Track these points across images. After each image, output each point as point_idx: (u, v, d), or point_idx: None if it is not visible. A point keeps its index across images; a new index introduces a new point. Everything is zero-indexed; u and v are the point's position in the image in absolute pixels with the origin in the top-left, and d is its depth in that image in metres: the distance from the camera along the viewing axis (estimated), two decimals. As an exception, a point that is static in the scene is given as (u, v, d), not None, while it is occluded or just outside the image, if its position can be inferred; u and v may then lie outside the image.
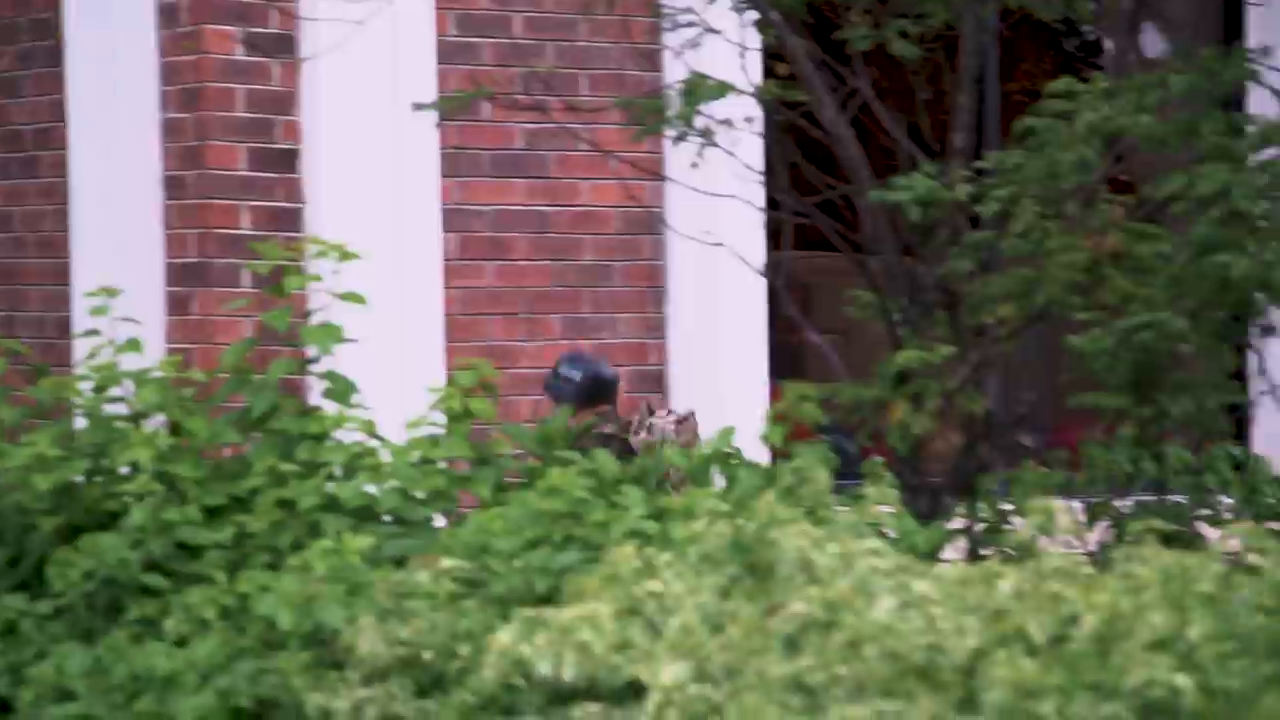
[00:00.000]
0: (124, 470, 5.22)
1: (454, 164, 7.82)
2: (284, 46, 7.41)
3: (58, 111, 8.14)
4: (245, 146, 7.57)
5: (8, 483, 5.21)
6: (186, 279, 7.66)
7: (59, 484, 5.09)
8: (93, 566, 4.90)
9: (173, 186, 7.68)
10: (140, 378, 5.25)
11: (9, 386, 5.59)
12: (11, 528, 5.20)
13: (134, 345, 5.36)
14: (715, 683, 3.25)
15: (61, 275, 8.20)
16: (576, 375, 7.09)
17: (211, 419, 5.23)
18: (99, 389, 5.30)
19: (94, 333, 5.41)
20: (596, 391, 7.02)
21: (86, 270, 7.87)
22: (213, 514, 5.10)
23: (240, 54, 7.48)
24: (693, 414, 6.93)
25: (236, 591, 4.72)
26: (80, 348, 7.58)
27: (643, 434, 6.86)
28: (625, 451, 6.69)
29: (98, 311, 5.36)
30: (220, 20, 7.46)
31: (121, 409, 5.31)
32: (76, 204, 7.96)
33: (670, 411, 7.07)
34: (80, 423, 5.38)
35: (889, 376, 4.70)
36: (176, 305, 7.70)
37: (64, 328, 8.21)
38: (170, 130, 7.65)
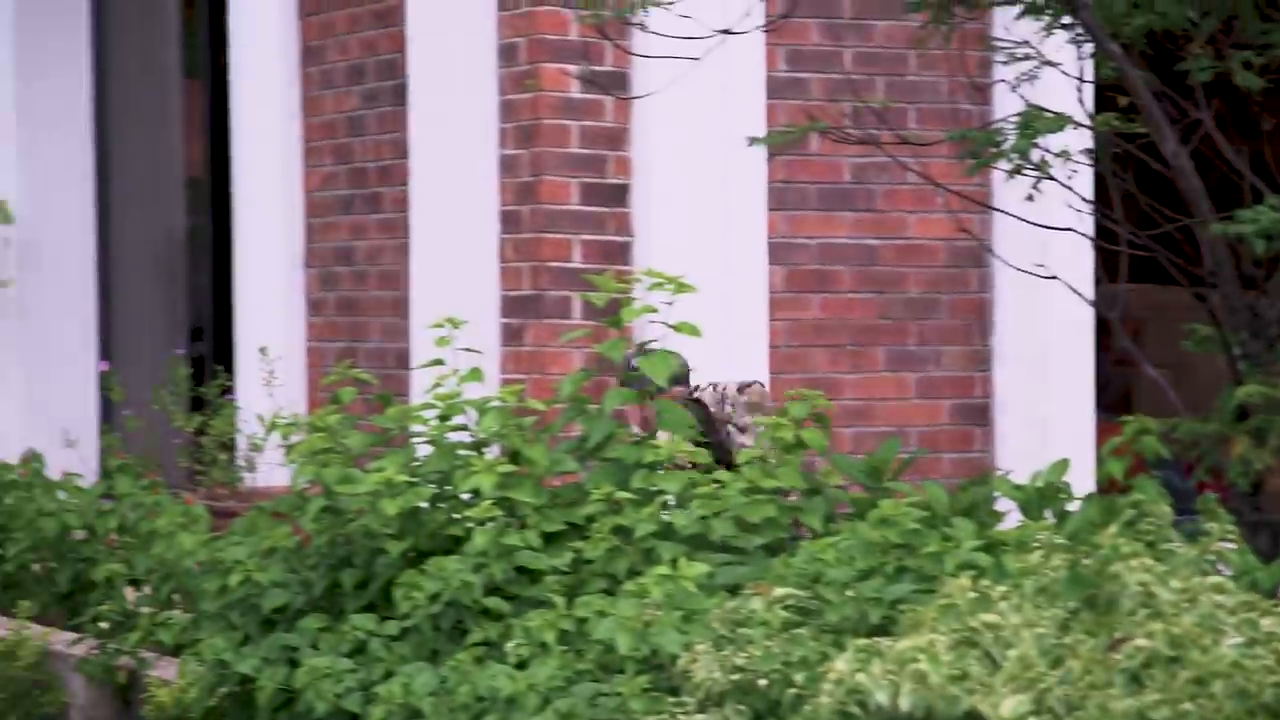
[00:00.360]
0: (466, 496, 5.38)
1: (781, 197, 7.90)
2: (618, 83, 7.55)
3: (400, 149, 8.39)
4: (578, 181, 7.74)
5: (357, 507, 5.40)
6: (520, 311, 7.83)
7: (405, 509, 5.26)
8: (437, 589, 5.06)
9: (508, 221, 7.86)
10: (482, 406, 5.40)
11: (356, 415, 5.79)
12: (360, 551, 5.38)
13: (476, 375, 5.53)
14: (1056, 716, 3.28)
15: (401, 308, 8.44)
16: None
17: (550, 447, 5.37)
18: (444, 417, 5.47)
19: (439, 362, 5.58)
20: (674, 376, 6.68)
21: (425, 303, 8.09)
22: (551, 540, 5.23)
23: (575, 91, 7.65)
24: (757, 382, 7.14)
25: (575, 616, 4.84)
26: (419, 378, 7.81)
27: (708, 390, 7.05)
28: (702, 410, 6.89)
29: (442, 342, 5.53)
30: (557, 59, 7.64)
31: (464, 437, 5.47)
32: (416, 238, 8.19)
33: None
34: (424, 450, 5.56)
35: (1229, 411, 4.67)
36: (511, 336, 7.88)
37: (403, 359, 8.44)
38: (507, 166, 7.84)
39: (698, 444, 5.94)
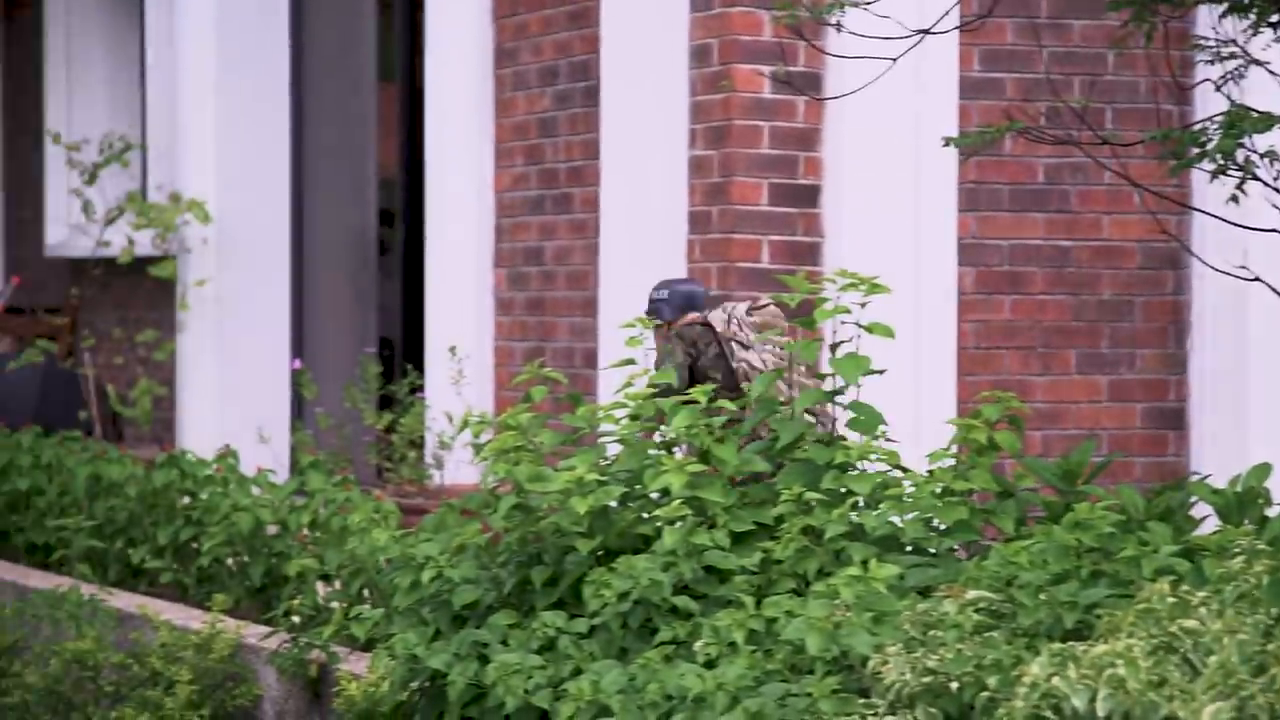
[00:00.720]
0: (655, 495, 5.39)
1: (972, 198, 7.84)
2: (811, 84, 7.53)
3: (591, 150, 8.42)
4: (768, 182, 7.72)
5: (547, 506, 5.42)
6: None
7: (595, 508, 5.28)
8: (627, 587, 5.07)
9: (697, 222, 7.86)
10: (673, 406, 5.40)
11: (545, 414, 5.82)
12: (550, 549, 5.40)
13: (668, 375, 5.53)
14: (1257, 722, 3.22)
15: (589, 308, 8.47)
16: (666, 294, 7.41)
17: (740, 447, 5.36)
18: (634, 416, 5.48)
19: (630, 361, 5.59)
20: (688, 304, 7.32)
21: (613, 303, 8.11)
22: (740, 539, 5.22)
23: (767, 92, 7.63)
24: (771, 302, 7.13)
25: (764, 616, 4.83)
26: (607, 377, 7.83)
27: (717, 313, 7.17)
28: (714, 339, 7.05)
29: (633, 342, 5.54)
30: (750, 60, 7.63)
31: (655, 436, 5.47)
32: (605, 239, 8.22)
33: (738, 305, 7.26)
34: (614, 449, 5.57)
35: None
36: (698, 337, 7.86)
37: (590, 358, 8.47)
38: (696, 167, 7.84)
39: (692, 368, 6.33)
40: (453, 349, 8.78)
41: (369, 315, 10.75)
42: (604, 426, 5.68)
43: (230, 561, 7.85)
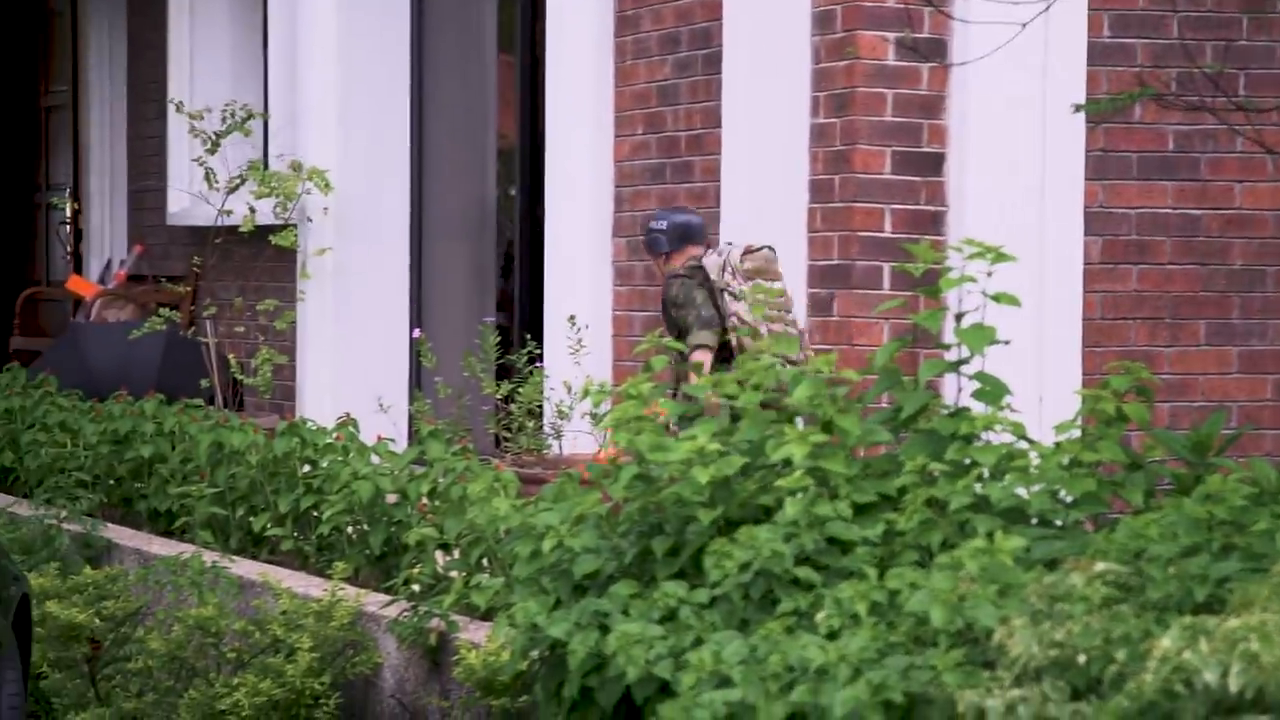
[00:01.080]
0: (777, 465, 5.34)
1: (1100, 167, 7.73)
2: (936, 50, 7.45)
3: (712, 118, 8.37)
4: (891, 150, 7.65)
5: (668, 476, 5.38)
6: (829, 280, 7.77)
7: (717, 478, 5.23)
8: (748, 558, 5.02)
9: (818, 190, 7.80)
10: (795, 376, 5.35)
11: (666, 384, 5.78)
12: (672, 519, 5.36)
13: (790, 344, 5.47)
14: (1397, 700, 3.14)
15: (709, 276, 8.41)
16: (664, 224, 7.86)
17: (862, 418, 5.30)
18: (756, 386, 5.42)
19: (754, 332, 5.53)
20: (685, 235, 7.78)
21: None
22: (862, 510, 5.16)
23: (891, 59, 7.56)
24: (766, 247, 7.45)
25: (887, 588, 4.77)
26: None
27: (712, 255, 7.58)
28: (706, 281, 7.52)
29: (756, 310, 5.49)
30: (874, 26, 7.55)
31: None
32: (726, 207, 8.16)
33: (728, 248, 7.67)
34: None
35: None
36: (818, 306, 7.82)
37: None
38: (818, 135, 7.78)
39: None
40: (571, 318, 8.76)
41: (488, 285, 10.75)
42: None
43: (350, 530, 7.87)
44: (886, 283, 7.63)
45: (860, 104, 7.60)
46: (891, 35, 7.54)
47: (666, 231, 7.85)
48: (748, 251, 7.55)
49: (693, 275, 7.61)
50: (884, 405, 5.56)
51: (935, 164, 7.68)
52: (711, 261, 7.58)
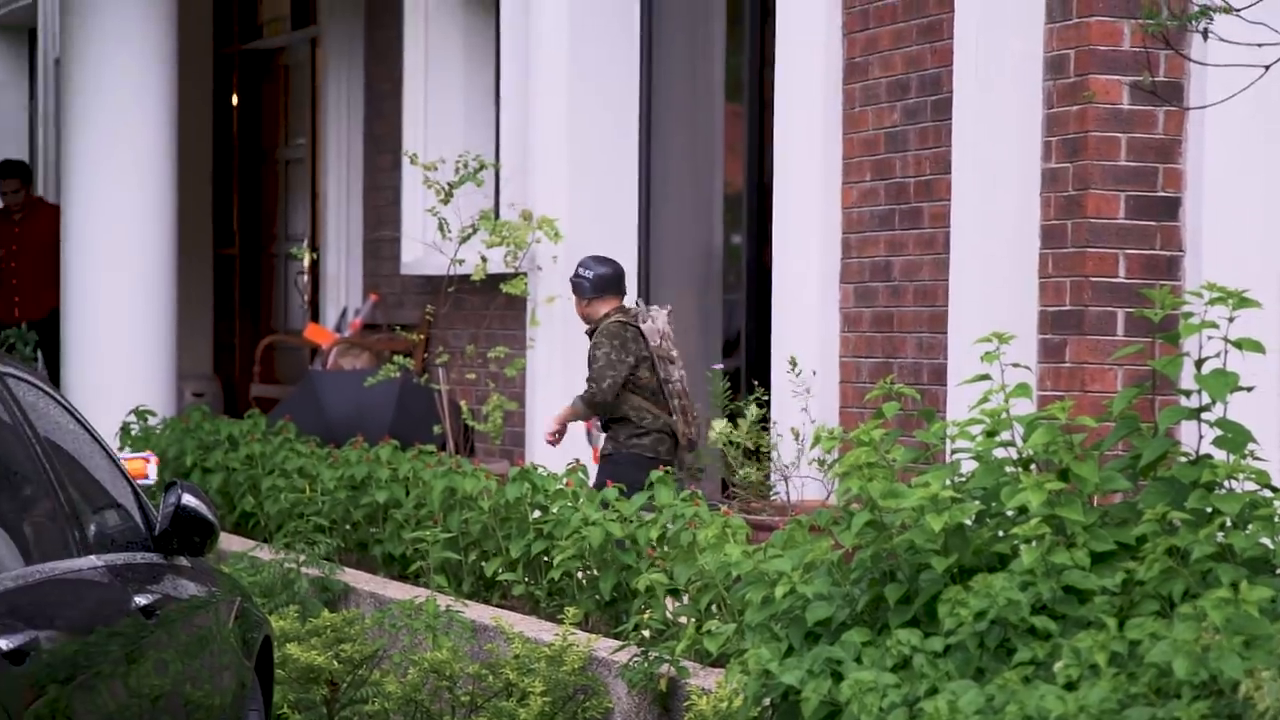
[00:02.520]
0: (1011, 513, 5.29)
1: (1344, 206, 7.59)
2: (1172, 94, 7.37)
3: (941, 164, 8.34)
4: (1125, 195, 7.57)
5: (900, 522, 5.36)
6: (1061, 326, 7.70)
7: (950, 525, 5.20)
8: (983, 606, 4.98)
9: (1050, 235, 7.74)
10: (1031, 422, 5.31)
11: (897, 430, 5.76)
12: (904, 566, 5.34)
13: (1024, 390, 5.43)
14: None
15: (938, 323, 8.38)
16: (589, 274, 9.02)
17: (1100, 465, 5.25)
18: (990, 433, 5.39)
19: (985, 377, 5.50)
20: (604, 286, 9.03)
21: (963, 318, 8.02)
22: (1100, 559, 5.11)
23: (1125, 103, 7.49)
24: (668, 307, 8.90)
25: (1127, 638, 4.71)
26: (956, 394, 7.74)
27: (648, 321, 8.77)
28: (640, 335, 8.75)
29: (989, 357, 5.46)
30: (1108, 70, 7.49)
31: (1010, 453, 5.38)
32: (956, 254, 8.12)
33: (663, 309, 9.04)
34: (969, 466, 5.49)
35: None
36: (1049, 352, 7.74)
37: (938, 374, 8.38)
38: (1050, 180, 7.72)
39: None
40: (793, 360, 8.76)
41: (714, 331, 10.78)
42: (959, 443, 5.60)
43: (580, 575, 7.92)
44: (1120, 328, 7.55)
45: (1094, 148, 7.53)
46: (1125, 79, 7.47)
47: (591, 280, 9.03)
48: (671, 312, 8.90)
49: (625, 344, 8.87)
50: (1120, 453, 5.50)
51: (1171, 208, 7.59)
52: (650, 329, 8.76)
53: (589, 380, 9.00)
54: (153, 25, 11.98)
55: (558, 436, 9.18)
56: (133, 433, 11.36)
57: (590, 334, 9.10)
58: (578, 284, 9.15)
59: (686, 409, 9.04)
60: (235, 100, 16.39)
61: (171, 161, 12.10)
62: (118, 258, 11.90)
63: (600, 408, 8.96)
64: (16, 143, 20.92)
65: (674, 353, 8.84)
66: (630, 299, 9.65)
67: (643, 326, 8.82)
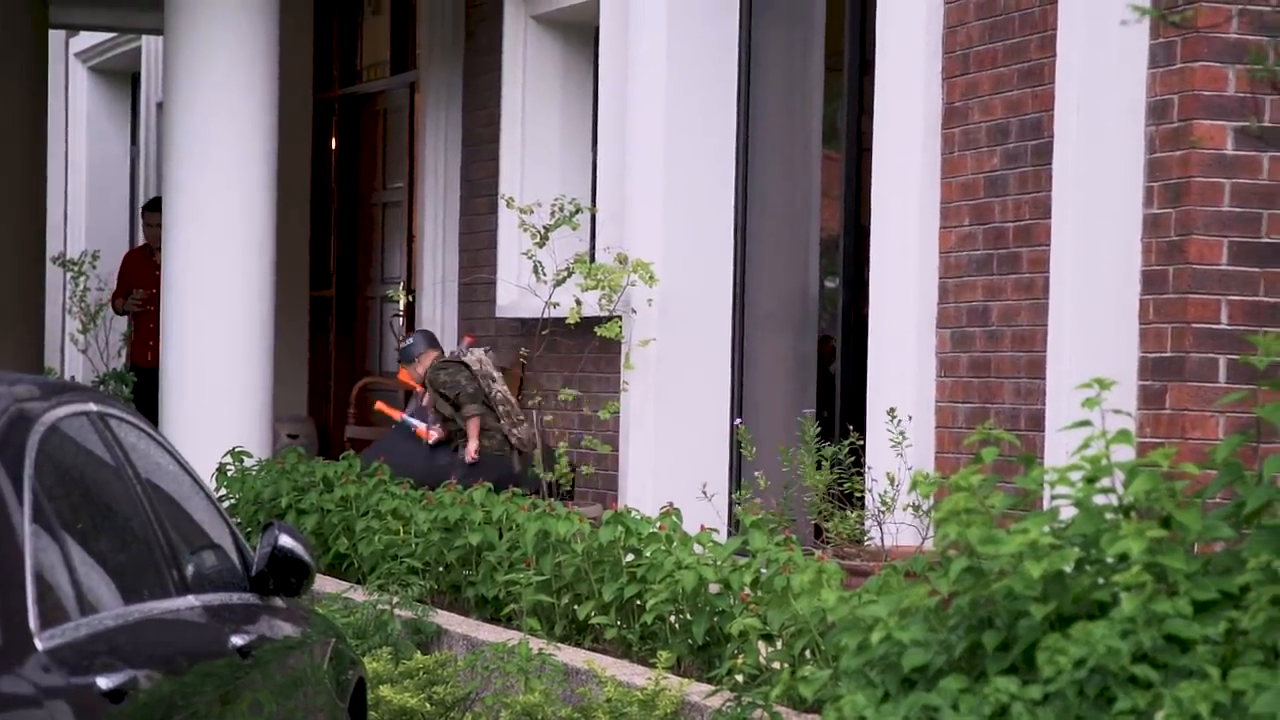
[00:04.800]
0: (1112, 560, 5.23)
1: None
2: (1277, 139, 7.30)
3: (1040, 209, 8.29)
4: (1228, 241, 7.50)
5: (999, 569, 5.30)
6: (1161, 373, 7.63)
7: (1049, 572, 5.15)
8: (1083, 654, 4.92)
9: (1151, 281, 7.67)
10: (1132, 470, 5.25)
11: (995, 476, 5.71)
12: (1003, 613, 5.29)
13: (1125, 437, 5.37)
14: None
15: (1036, 369, 8.32)
16: (412, 340, 11.69)
17: (1203, 513, 5.18)
18: (1090, 480, 5.33)
19: (1085, 423, 5.45)
20: (429, 343, 11.64)
21: (1061, 364, 7.96)
22: (1203, 608, 5.04)
23: (1230, 148, 7.42)
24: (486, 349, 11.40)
25: (1230, 688, 4.64)
26: (1055, 440, 7.68)
27: (470, 356, 11.17)
28: (468, 371, 11.10)
29: (1090, 403, 5.40)
30: (1211, 115, 7.43)
31: (1111, 500, 5.32)
32: (1055, 299, 8.07)
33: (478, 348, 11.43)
34: (1068, 512, 5.43)
35: None
36: (1149, 399, 7.68)
37: (1035, 420, 8.32)
38: (1152, 226, 7.66)
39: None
40: (892, 411, 8.71)
41: (808, 376, 10.74)
42: (1058, 489, 5.54)
43: (673, 619, 7.89)
44: (1222, 375, 7.47)
45: (1196, 194, 7.46)
46: (1230, 124, 7.41)
47: (415, 343, 11.61)
48: (488, 351, 11.33)
49: (455, 367, 11.06)
50: (1222, 501, 5.43)
51: (1275, 254, 7.51)
52: (474, 358, 11.08)
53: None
54: (255, 71, 12.07)
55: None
56: (228, 474, 11.41)
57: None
58: (407, 352, 11.59)
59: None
60: (334, 144, 16.49)
61: (271, 205, 12.18)
62: (216, 299, 11.97)
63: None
64: (118, 186, 21.15)
65: (493, 371, 11.17)
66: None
67: (466, 358, 11.20)
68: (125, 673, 4.62)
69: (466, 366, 11.06)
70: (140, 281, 15.00)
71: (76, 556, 4.79)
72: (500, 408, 11.06)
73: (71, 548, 4.78)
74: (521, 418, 11.07)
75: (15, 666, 4.29)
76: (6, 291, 15.42)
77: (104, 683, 4.52)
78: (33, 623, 4.40)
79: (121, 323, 16.09)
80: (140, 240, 15.83)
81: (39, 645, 4.39)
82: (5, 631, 4.34)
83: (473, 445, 11.01)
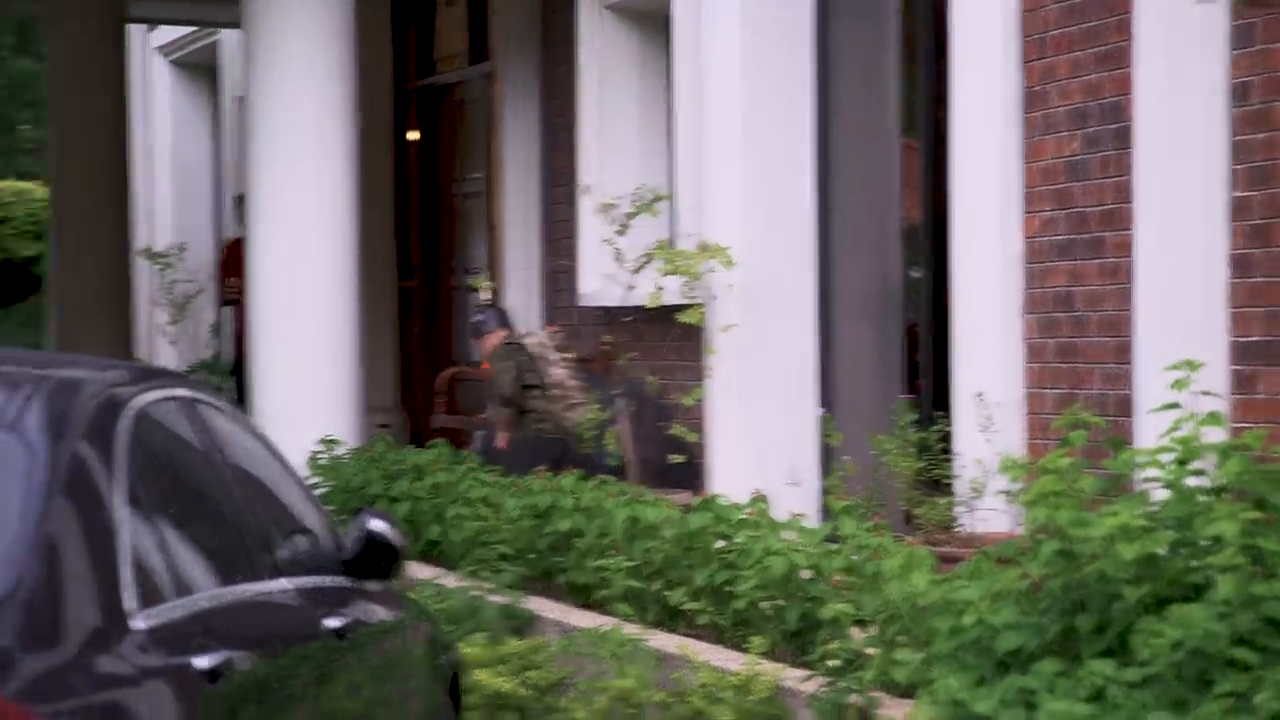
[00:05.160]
0: (1205, 543, 5.26)
1: None
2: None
3: (1123, 193, 8.30)
4: (1315, 224, 7.51)
5: (1090, 552, 5.34)
6: (1252, 357, 7.63)
7: (1142, 554, 5.18)
8: (1179, 637, 4.95)
9: (1240, 265, 7.68)
10: (1224, 451, 5.28)
11: (1084, 460, 5.75)
12: (1096, 596, 5.33)
13: (1216, 419, 5.40)
14: None
15: (1122, 353, 8.34)
16: (484, 317, 12.15)
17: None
18: (1181, 462, 5.37)
19: (1174, 405, 5.49)
20: (502, 321, 12.13)
21: (1149, 348, 7.96)
22: (1299, 590, 5.06)
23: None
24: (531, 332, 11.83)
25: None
26: (1143, 424, 7.69)
27: (530, 338, 11.74)
28: (526, 354, 11.60)
29: (1179, 385, 5.44)
30: (1294, 98, 7.44)
31: (1203, 482, 5.35)
32: (1140, 283, 8.08)
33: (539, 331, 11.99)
34: (1160, 495, 5.46)
35: None
36: (1241, 383, 7.68)
37: (1123, 405, 8.33)
38: (1238, 208, 7.66)
39: (527, 385, 11.61)
40: (980, 395, 8.74)
41: (894, 362, 10.77)
42: (1148, 472, 5.58)
43: (765, 605, 7.94)
44: (1316, 359, 7.48)
45: (1281, 176, 7.48)
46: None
47: (489, 319, 12.19)
48: (551, 332, 11.68)
49: (510, 358, 11.66)
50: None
51: (1364, 236, 7.52)
52: (532, 341, 11.59)
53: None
54: (334, 64, 12.17)
55: None
56: (320, 462, 11.53)
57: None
58: (479, 328, 12.29)
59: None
60: (413, 135, 16.60)
61: (354, 196, 12.28)
62: (303, 290, 12.08)
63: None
64: (202, 179, 21.31)
65: (552, 354, 11.68)
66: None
67: (525, 340, 11.74)
68: (221, 653, 4.65)
69: (525, 349, 11.61)
70: (236, 270, 15.12)
71: (170, 539, 4.82)
72: (554, 391, 11.61)
73: (165, 530, 4.81)
74: (576, 400, 11.63)
75: (114, 646, 4.30)
76: (96, 285, 15.59)
77: (201, 662, 4.53)
78: (129, 603, 4.41)
79: (209, 314, 16.24)
80: (230, 233, 15.93)
81: (137, 625, 4.40)
82: (103, 612, 4.35)
83: (501, 438, 11.91)
